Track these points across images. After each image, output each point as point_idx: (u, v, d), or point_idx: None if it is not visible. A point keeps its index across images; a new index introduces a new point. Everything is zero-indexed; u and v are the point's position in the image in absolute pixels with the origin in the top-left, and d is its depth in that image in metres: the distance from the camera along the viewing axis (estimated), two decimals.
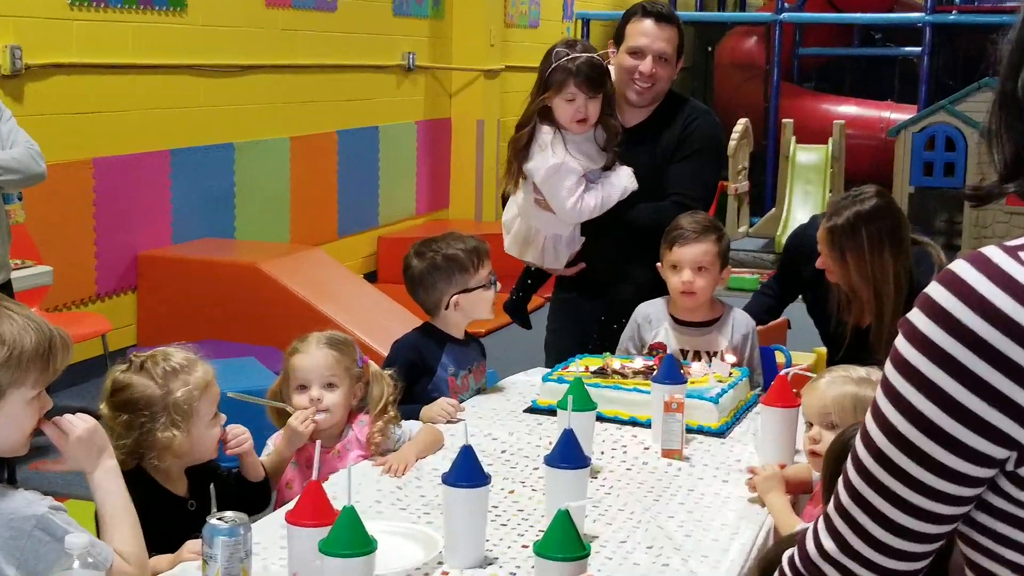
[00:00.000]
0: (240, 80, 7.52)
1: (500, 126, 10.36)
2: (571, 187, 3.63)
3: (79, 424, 2.07)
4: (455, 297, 3.20)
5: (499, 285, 3.34)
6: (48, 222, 6.00)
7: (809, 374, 2.80)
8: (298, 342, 2.84)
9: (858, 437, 1.26)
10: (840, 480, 1.28)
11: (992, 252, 1.16)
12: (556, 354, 3.86)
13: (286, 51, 7.96)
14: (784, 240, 10.51)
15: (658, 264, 3.49)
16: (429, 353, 3.20)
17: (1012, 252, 1.15)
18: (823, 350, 4.25)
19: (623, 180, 3.69)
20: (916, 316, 1.18)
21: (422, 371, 3.17)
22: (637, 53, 3.70)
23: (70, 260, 6.19)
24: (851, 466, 1.26)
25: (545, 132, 3.65)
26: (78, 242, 6.34)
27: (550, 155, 3.63)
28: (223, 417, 2.51)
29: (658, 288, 3.53)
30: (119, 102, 6.55)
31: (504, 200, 3.96)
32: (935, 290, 1.17)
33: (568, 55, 3.59)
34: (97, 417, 2.19)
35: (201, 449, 2.48)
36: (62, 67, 6.14)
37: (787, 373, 2.82)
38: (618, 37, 3.78)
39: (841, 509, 1.26)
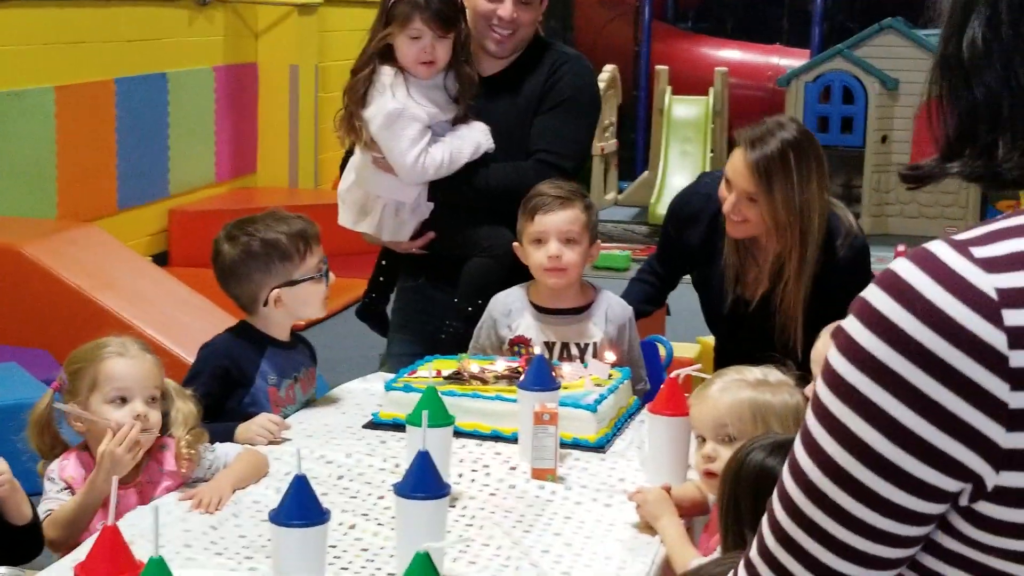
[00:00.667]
0: None
1: (318, 72, 10.33)
2: (413, 137, 3.62)
3: None
4: (276, 291, 3.17)
5: (332, 275, 3.31)
6: None
7: (703, 375, 2.84)
8: (111, 344, 2.76)
9: (785, 467, 1.26)
10: (764, 520, 1.28)
11: (939, 249, 1.16)
12: (400, 354, 3.86)
13: None
14: (660, 209, 10.71)
15: (515, 244, 3.51)
16: (245, 359, 3.16)
17: (962, 248, 1.15)
18: (708, 340, 4.33)
19: (476, 135, 3.70)
20: (852, 325, 1.18)
21: (237, 381, 3.13)
22: None
23: None
24: (777, 502, 1.26)
25: (385, 73, 3.65)
26: None
27: (389, 98, 3.63)
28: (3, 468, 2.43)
29: (522, 269, 3.54)
30: None
31: (342, 167, 3.94)
32: (874, 294, 1.17)
33: None
34: None
35: None
36: None
37: (677, 375, 2.85)
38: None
39: (766, 554, 1.26)
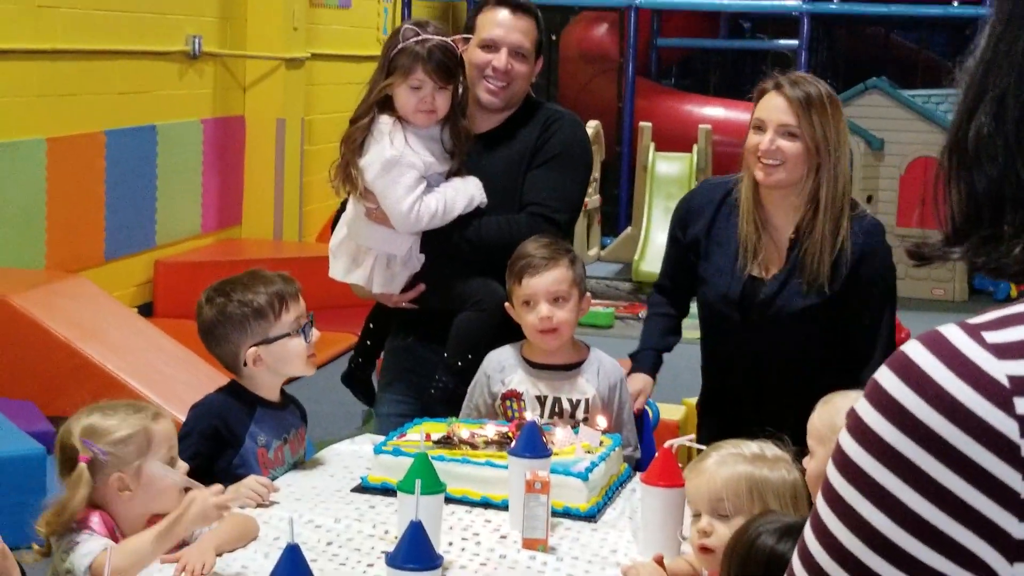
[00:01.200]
0: None
1: (305, 126, 10.34)
2: (409, 185, 3.61)
3: None
4: (253, 350, 3.15)
5: (316, 332, 3.28)
6: None
7: (697, 445, 2.82)
8: (145, 407, 2.78)
9: (795, 551, 1.25)
10: None
11: (951, 333, 1.15)
12: (388, 413, 3.83)
13: (42, 32, 7.78)
14: (644, 266, 10.72)
15: (506, 304, 3.50)
16: (235, 419, 3.13)
17: (974, 332, 1.14)
18: (692, 401, 4.30)
19: (470, 188, 3.69)
20: (863, 408, 1.16)
21: (227, 442, 3.10)
22: (490, 46, 3.73)
23: None
24: None
25: (384, 122, 3.66)
26: None
27: (387, 145, 3.62)
28: None
29: (512, 323, 3.53)
30: None
31: (334, 224, 3.93)
32: (886, 378, 1.16)
33: (418, 36, 3.62)
34: None
35: None
36: None
37: (671, 445, 2.83)
38: (468, 29, 3.81)
39: None
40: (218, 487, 2.65)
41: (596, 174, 11.52)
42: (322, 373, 4.23)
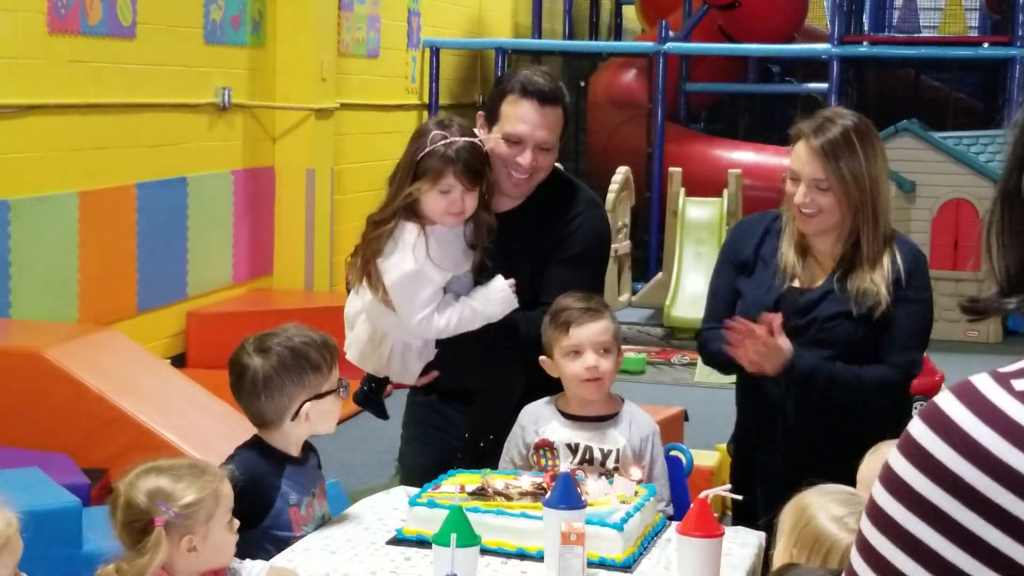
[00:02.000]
0: (16, 123, 7.38)
1: (334, 176, 10.36)
2: (425, 300, 3.62)
3: None
4: (308, 404, 3.14)
5: (347, 392, 3.32)
6: None
7: (734, 496, 2.82)
8: (208, 468, 2.78)
9: None
10: None
11: (981, 382, 1.16)
12: (412, 469, 3.84)
13: (74, 87, 7.84)
14: (675, 311, 10.71)
15: (542, 358, 3.51)
16: (268, 480, 3.11)
17: (1004, 381, 1.15)
18: (724, 447, 4.31)
19: (490, 309, 3.66)
20: (894, 458, 1.18)
21: (256, 504, 3.06)
22: (517, 143, 3.67)
23: None
24: None
25: (408, 231, 3.63)
26: None
27: (409, 259, 3.61)
28: None
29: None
30: None
31: (348, 288, 3.93)
32: (916, 427, 1.17)
33: (445, 139, 3.59)
34: None
35: None
36: None
37: (707, 495, 2.83)
38: (490, 113, 3.75)
39: None
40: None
41: (626, 219, 11.55)
42: (355, 422, 4.24)
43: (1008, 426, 1.12)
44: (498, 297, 3.66)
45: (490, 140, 3.70)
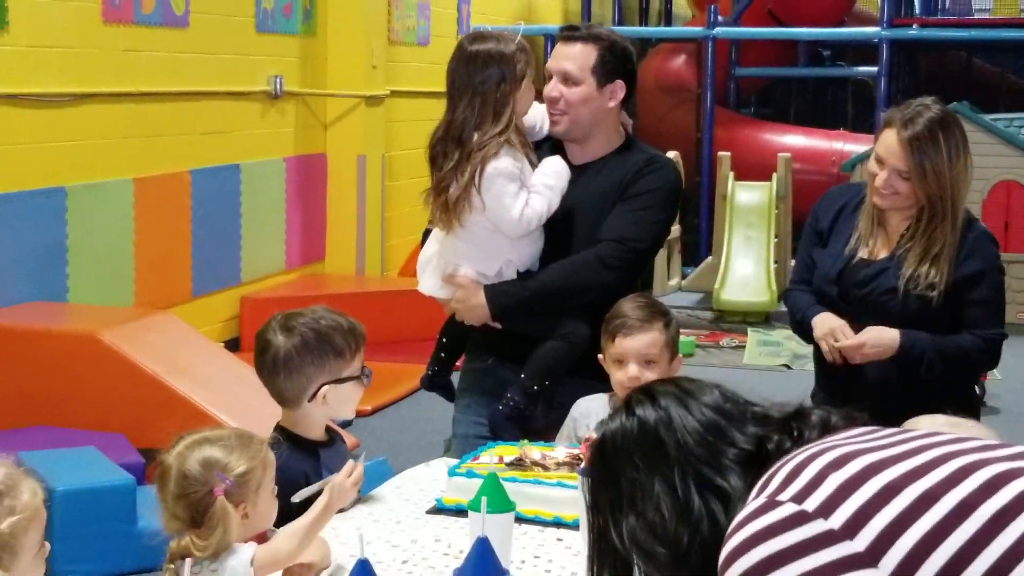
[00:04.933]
0: (72, 111, 7.47)
1: (385, 162, 10.41)
2: (515, 193, 3.68)
3: None
4: (325, 387, 3.12)
5: (369, 381, 3.27)
6: None
7: None
8: (253, 438, 2.77)
9: None
10: None
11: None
12: (465, 436, 3.88)
13: (128, 76, 7.92)
14: (724, 294, 10.72)
15: (599, 356, 3.54)
16: (312, 478, 3.05)
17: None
18: None
19: (560, 176, 3.74)
20: None
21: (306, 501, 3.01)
22: (549, 78, 3.81)
23: None
24: None
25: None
26: None
27: (506, 160, 3.69)
28: (48, 547, 2.43)
29: (595, 347, 3.58)
30: None
31: (423, 240, 3.99)
32: None
33: (520, 43, 3.76)
34: None
35: None
36: None
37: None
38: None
39: None
40: (349, 467, 2.80)
41: None
42: (405, 404, 4.30)
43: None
44: (557, 167, 3.75)
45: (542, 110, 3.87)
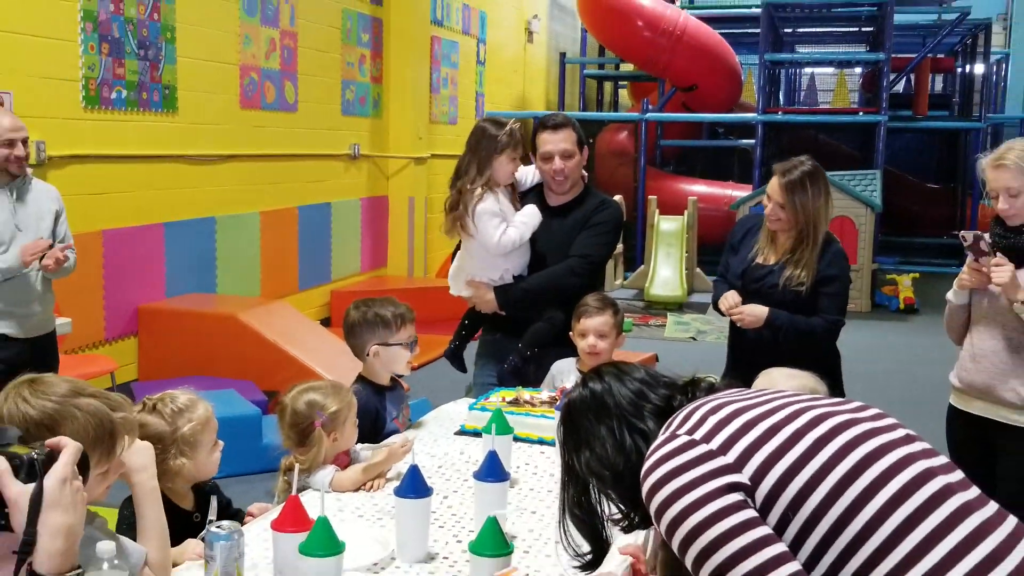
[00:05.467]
0: (220, 167, 7.47)
1: (427, 202, 10.38)
2: (497, 225, 3.65)
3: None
4: (374, 347, 3.13)
5: (417, 349, 3.26)
6: (66, 282, 5.86)
7: None
8: (341, 387, 2.76)
9: None
10: None
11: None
12: (481, 383, 3.85)
13: (257, 143, 7.92)
14: (653, 290, 10.72)
15: (571, 333, 3.53)
16: (380, 411, 3.11)
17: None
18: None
19: (532, 216, 3.70)
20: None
21: (375, 420, 3.08)
22: (548, 158, 3.72)
23: (84, 312, 6.09)
24: None
25: (485, 193, 3.68)
26: (90, 298, 6.24)
27: (490, 202, 3.66)
28: (221, 443, 2.47)
29: (567, 327, 3.57)
30: (123, 185, 6.48)
31: (452, 256, 3.95)
32: None
33: (510, 133, 3.67)
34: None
35: (204, 472, 2.43)
36: (77, 157, 6.06)
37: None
38: (533, 147, 3.80)
39: None
40: (404, 438, 2.73)
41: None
42: (440, 362, 4.26)
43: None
44: (532, 211, 3.71)
45: (537, 162, 3.77)
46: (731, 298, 3.66)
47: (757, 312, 3.61)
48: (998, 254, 3.13)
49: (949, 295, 3.33)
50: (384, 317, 3.14)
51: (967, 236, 3.11)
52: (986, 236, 3.13)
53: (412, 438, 2.83)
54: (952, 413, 3.38)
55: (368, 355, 3.14)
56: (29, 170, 4.35)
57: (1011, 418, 3.18)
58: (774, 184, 3.59)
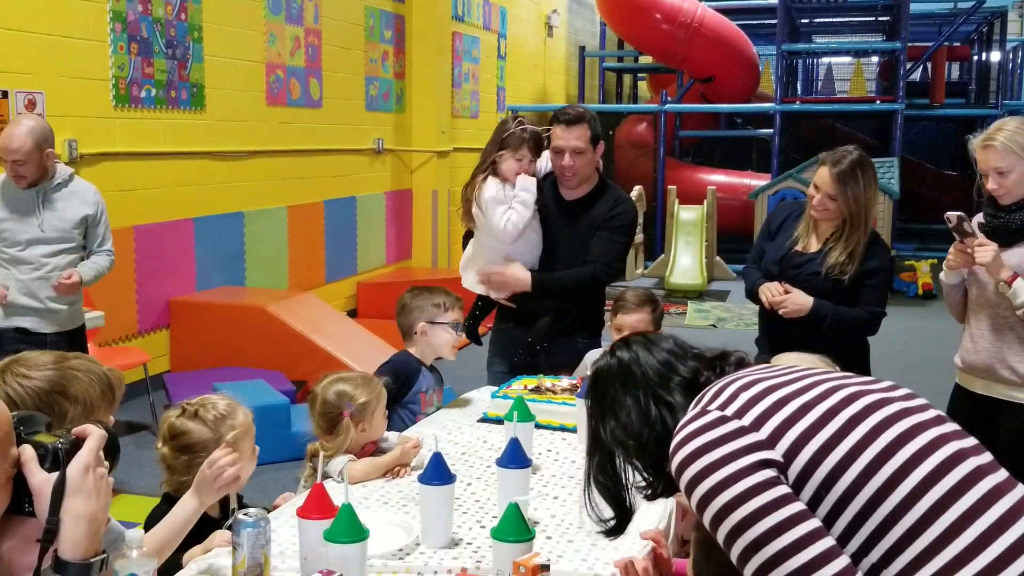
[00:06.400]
0: (247, 163, 7.49)
1: (450, 195, 10.38)
2: (501, 211, 3.63)
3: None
4: (422, 324, 3.24)
5: (463, 334, 3.35)
6: None
7: None
8: (372, 379, 2.76)
9: None
10: None
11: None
12: (494, 372, 3.85)
13: (283, 139, 7.93)
14: (673, 279, 10.67)
15: (608, 325, 3.50)
16: (412, 374, 3.21)
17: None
18: None
19: (530, 192, 3.65)
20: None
21: (406, 383, 3.18)
22: (559, 152, 3.66)
23: (117, 305, 6.13)
24: None
25: (491, 182, 3.67)
26: (123, 292, 6.27)
27: (493, 189, 3.65)
28: (258, 449, 2.44)
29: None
30: (153, 181, 6.51)
31: (464, 244, 3.97)
32: None
33: (521, 126, 3.65)
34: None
35: (244, 478, 2.42)
36: (108, 155, 6.09)
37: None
38: (548, 140, 3.75)
39: None
40: (415, 442, 2.70)
41: (640, 219, 11.47)
42: (461, 354, 4.25)
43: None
44: (529, 185, 3.65)
45: (550, 155, 3.72)
46: (774, 288, 3.53)
47: (802, 301, 3.49)
48: (980, 234, 3.12)
49: (941, 276, 3.32)
50: (434, 299, 3.28)
51: (951, 217, 3.11)
52: (975, 217, 3.13)
53: (418, 437, 2.83)
54: (956, 393, 3.37)
55: (416, 332, 3.25)
56: (69, 170, 4.39)
57: (1008, 394, 3.19)
58: (824, 174, 3.45)
